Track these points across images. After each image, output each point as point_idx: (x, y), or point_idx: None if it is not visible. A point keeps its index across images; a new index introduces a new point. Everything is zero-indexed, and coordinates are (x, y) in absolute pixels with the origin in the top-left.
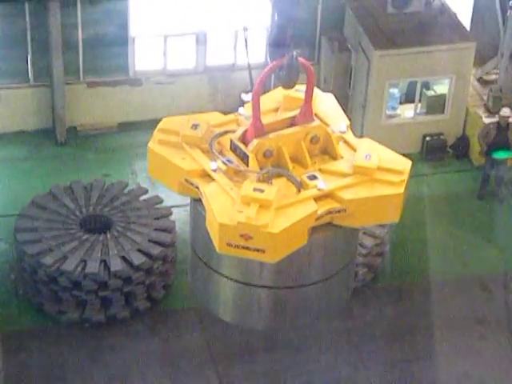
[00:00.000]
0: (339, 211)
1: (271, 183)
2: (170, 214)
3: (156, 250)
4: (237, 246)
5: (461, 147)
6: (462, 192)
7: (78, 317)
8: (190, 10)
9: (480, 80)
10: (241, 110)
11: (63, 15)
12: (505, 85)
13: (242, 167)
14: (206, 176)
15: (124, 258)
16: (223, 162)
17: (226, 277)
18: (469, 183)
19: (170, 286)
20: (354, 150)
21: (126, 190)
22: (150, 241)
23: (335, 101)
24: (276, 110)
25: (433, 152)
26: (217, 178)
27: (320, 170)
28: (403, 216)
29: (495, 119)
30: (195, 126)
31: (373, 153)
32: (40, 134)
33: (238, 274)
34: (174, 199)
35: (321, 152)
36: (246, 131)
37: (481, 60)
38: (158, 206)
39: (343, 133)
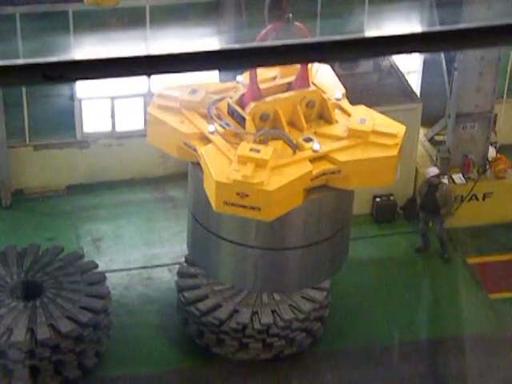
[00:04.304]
0: (334, 172)
1: (267, 145)
2: (104, 279)
3: (86, 317)
4: (233, 204)
5: (411, 208)
6: (411, 254)
7: None
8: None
9: (431, 140)
10: (239, 78)
11: None
12: (452, 145)
13: (239, 130)
14: (204, 139)
15: (52, 326)
16: (221, 125)
17: (224, 239)
18: (419, 245)
19: (104, 354)
20: (349, 116)
21: (61, 256)
22: (80, 307)
23: (331, 71)
24: (274, 78)
25: (383, 213)
26: (214, 140)
27: (315, 133)
28: (348, 279)
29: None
30: (193, 92)
31: (367, 117)
32: None
33: (235, 235)
34: (117, 263)
35: (317, 117)
36: (243, 95)
37: (432, 120)
38: (92, 271)
39: (339, 100)
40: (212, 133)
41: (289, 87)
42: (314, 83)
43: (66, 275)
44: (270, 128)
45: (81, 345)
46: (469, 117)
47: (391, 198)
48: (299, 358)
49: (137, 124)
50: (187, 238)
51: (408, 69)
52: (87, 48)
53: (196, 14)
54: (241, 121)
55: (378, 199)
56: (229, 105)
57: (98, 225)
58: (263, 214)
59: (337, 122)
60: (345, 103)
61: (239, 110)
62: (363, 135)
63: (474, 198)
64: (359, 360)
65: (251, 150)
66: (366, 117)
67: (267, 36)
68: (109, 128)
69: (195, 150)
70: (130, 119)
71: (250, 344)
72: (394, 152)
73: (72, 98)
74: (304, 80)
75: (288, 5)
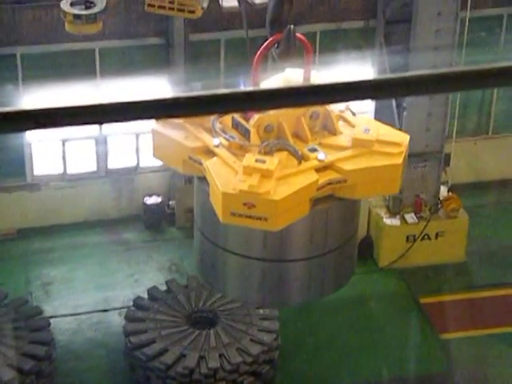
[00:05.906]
0: (340, 182)
1: (273, 156)
2: (49, 325)
3: (28, 365)
4: (240, 215)
5: (365, 248)
6: (366, 294)
7: None
8: None
9: None
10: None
11: None
12: (404, 185)
13: (244, 142)
14: (210, 153)
15: None
16: (225, 138)
17: (232, 252)
18: (373, 285)
19: None
20: (353, 127)
21: (5, 301)
22: (22, 355)
23: None
24: None
25: None
26: (219, 153)
27: (320, 144)
28: (298, 320)
29: (396, 221)
30: None
31: (371, 127)
32: None
33: (243, 248)
34: (67, 308)
35: (321, 128)
36: None
37: None
38: (37, 317)
39: (342, 112)
40: (217, 146)
41: None
42: None
43: (9, 322)
44: (275, 139)
45: None
46: (419, 156)
47: None
48: None
49: (88, 166)
50: (194, 255)
51: (361, 109)
52: (39, 92)
53: (146, 55)
54: (245, 133)
55: None
56: (233, 118)
57: (48, 269)
58: (270, 224)
59: (341, 132)
60: (348, 115)
61: (243, 122)
62: (368, 144)
63: (426, 237)
64: None
65: (257, 160)
66: (369, 127)
67: (269, 49)
68: (60, 170)
69: (201, 163)
70: (82, 161)
71: None
72: (399, 160)
73: (22, 140)
74: None
75: (288, 17)
